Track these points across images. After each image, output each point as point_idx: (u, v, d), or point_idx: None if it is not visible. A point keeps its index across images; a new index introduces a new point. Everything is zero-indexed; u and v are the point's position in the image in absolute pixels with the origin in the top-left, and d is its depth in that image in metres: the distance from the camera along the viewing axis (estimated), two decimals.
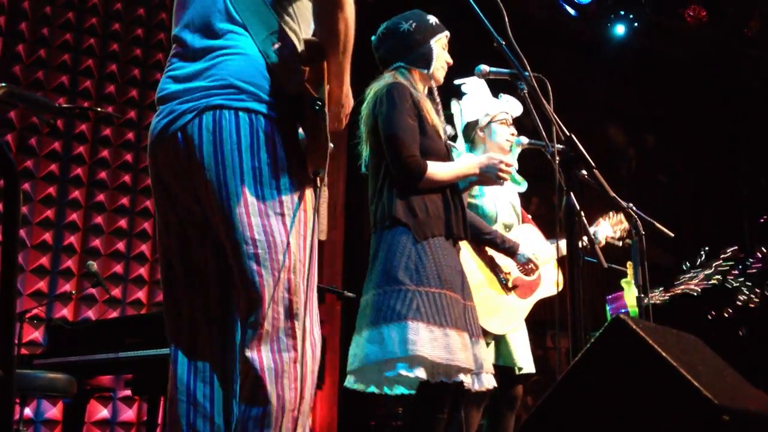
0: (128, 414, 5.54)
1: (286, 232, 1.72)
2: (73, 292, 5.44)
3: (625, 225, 3.71)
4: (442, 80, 2.96)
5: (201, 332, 1.84)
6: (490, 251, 3.27)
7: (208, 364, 1.81)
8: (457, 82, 3.30)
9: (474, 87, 3.34)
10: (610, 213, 3.74)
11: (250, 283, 1.71)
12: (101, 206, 5.78)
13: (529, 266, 3.24)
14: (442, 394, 2.62)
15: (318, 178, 1.78)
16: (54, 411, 5.26)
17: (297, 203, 1.74)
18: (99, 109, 4.39)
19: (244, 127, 1.71)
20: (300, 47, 1.80)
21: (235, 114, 1.71)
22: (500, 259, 3.29)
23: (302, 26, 1.86)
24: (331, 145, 1.78)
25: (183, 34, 1.85)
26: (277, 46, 1.76)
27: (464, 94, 3.39)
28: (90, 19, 5.99)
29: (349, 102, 1.91)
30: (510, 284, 3.28)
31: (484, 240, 3.18)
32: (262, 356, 1.69)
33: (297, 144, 1.75)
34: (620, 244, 3.71)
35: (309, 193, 1.78)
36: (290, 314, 1.72)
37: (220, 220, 1.73)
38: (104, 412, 5.45)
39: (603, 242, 3.62)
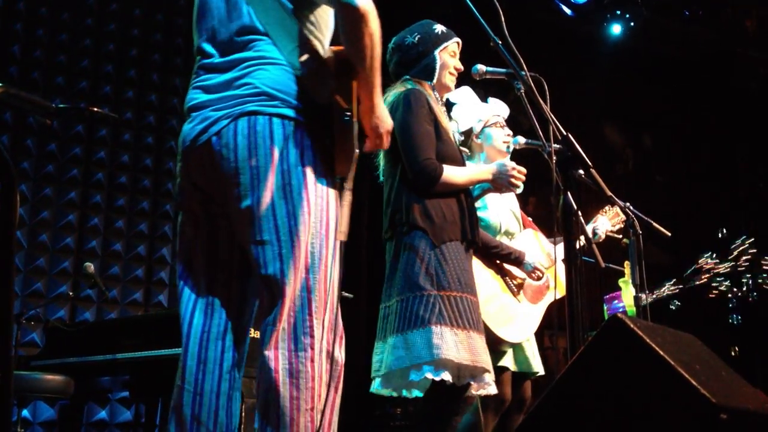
0: (126, 415, 5.53)
1: (309, 233, 1.78)
2: (71, 293, 5.43)
3: (622, 216, 3.72)
4: (452, 87, 2.99)
5: (214, 323, 1.87)
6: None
7: (219, 357, 1.84)
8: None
9: (462, 96, 3.34)
10: (606, 207, 3.74)
11: (274, 282, 1.76)
12: (98, 207, 5.77)
13: (536, 274, 3.25)
14: (458, 397, 2.64)
15: (342, 183, 1.87)
16: (51, 412, 5.25)
17: (321, 206, 1.81)
18: (96, 109, 4.38)
19: (278, 131, 1.78)
20: (324, 53, 1.87)
21: (269, 119, 1.78)
22: (505, 270, 3.30)
23: (324, 32, 1.92)
24: (357, 151, 1.85)
25: (208, 46, 1.91)
26: (304, 58, 1.82)
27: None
28: (86, 19, 5.98)
29: (387, 118, 1.95)
30: (521, 287, 3.28)
31: (491, 254, 3.19)
32: (278, 355, 1.73)
33: (324, 149, 1.83)
34: (621, 236, 3.71)
35: (334, 197, 1.85)
36: (308, 312, 1.76)
37: (248, 221, 1.78)
38: (102, 414, 5.44)
39: (603, 236, 3.62)
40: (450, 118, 3.23)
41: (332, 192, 1.85)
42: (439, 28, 2.94)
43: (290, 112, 1.79)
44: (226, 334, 1.86)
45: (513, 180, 2.86)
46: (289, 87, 1.80)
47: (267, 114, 1.78)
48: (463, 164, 2.88)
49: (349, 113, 1.80)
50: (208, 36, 1.91)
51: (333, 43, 1.96)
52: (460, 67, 2.94)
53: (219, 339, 1.85)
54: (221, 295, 1.88)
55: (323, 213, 1.81)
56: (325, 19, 1.92)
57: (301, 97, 1.81)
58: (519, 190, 3.42)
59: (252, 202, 1.76)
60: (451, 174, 2.74)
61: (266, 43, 1.84)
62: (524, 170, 2.90)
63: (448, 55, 2.91)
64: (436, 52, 2.88)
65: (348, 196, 1.88)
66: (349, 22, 1.79)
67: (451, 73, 2.92)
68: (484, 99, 3.48)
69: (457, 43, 2.95)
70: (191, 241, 1.92)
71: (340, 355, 1.82)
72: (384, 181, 2.87)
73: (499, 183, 2.88)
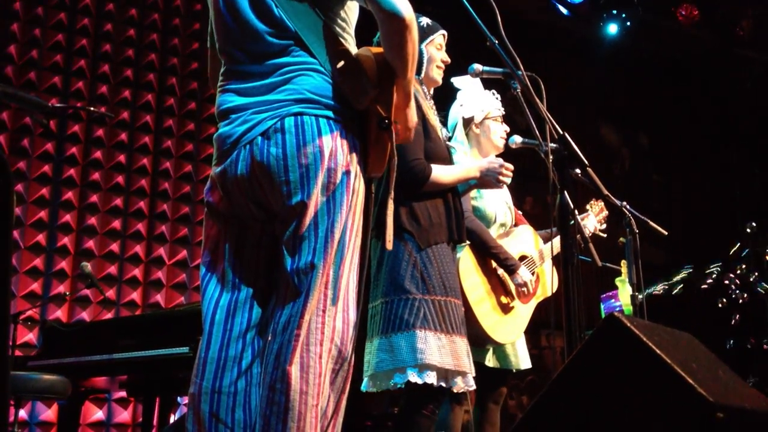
0: (123, 415, 5.53)
1: (341, 230, 1.81)
2: (67, 293, 5.42)
3: (606, 213, 3.73)
4: (440, 81, 2.97)
5: (236, 321, 1.87)
6: None
7: (238, 355, 1.84)
8: (454, 79, 3.32)
9: (470, 83, 3.35)
10: (592, 201, 3.75)
11: (303, 275, 1.78)
12: (95, 207, 5.76)
13: (522, 289, 3.20)
14: (439, 397, 2.65)
15: (386, 192, 1.95)
16: (49, 413, 5.25)
17: (353, 207, 1.85)
18: (92, 108, 4.37)
19: (325, 130, 1.81)
20: (353, 43, 1.91)
21: (315, 119, 1.81)
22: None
23: (353, 25, 1.97)
24: (395, 158, 1.92)
25: (235, 48, 1.91)
26: (341, 65, 1.85)
27: (458, 90, 3.41)
28: (82, 19, 5.97)
29: (415, 114, 2.01)
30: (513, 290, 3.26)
31: (489, 253, 3.18)
32: (296, 347, 1.73)
33: (362, 151, 1.88)
34: (605, 235, 3.71)
35: (363, 197, 1.89)
36: (323, 308, 1.78)
37: (296, 217, 1.80)
38: (99, 414, 5.44)
39: (591, 234, 3.62)
40: (444, 108, 3.24)
41: (362, 191, 1.89)
42: (425, 20, 2.92)
43: (333, 115, 1.83)
44: (247, 333, 1.86)
45: (501, 177, 2.87)
46: (330, 93, 1.84)
47: (313, 115, 1.81)
48: (450, 162, 2.88)
49: (387, 120, 1.84)
50: (235, 38, 1.91)
51: (359, 38, 2.00)
52: (447, 59, 2.93)
53: (240, 337, 1.85)
54: (246, 293, 1.89)
55: (352, 213, 1.85)
56: (353, 10, 1.96)
57: (341, 102, 1.85)
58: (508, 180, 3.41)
59: (303, 198, 1.79)
60: (440, 174, 2.74)
61: (302, 48, 1.86)
62: (511, 167, 2.92)
63: (435, 48, 2.90)
64: (423, 46, 2.87)
65: (391, 205, 1.95)
66: (395, 31, 1.82)
67: (438, 67, 2.91)
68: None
69: (443, 35, 2.94)
70: (216, 241, 1.93)
71: (351, 355, 1.82)
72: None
73: (487, 180, 2.89)
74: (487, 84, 3.36)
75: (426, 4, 3.89)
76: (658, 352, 1.54)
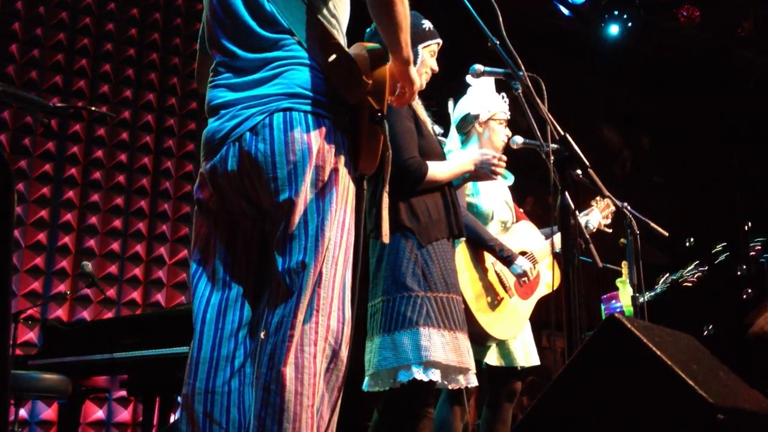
0: (123, 415, 5.53)
1: (332, 228, 1.80)
2: (68, 292, 5.42)
3: (612, 208, 3.73)
4: (423, 86, 2.93)
5: (227, 320, 1.86)
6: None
7: (230, 355, 1.83)
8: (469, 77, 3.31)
9: (483, 82, 3.35)
10: (597, 198, 3.75)
11: (295, 275, 1.76)
12: (95, 206, 5.76)
13: (523, 279, 3.20)
14: (430, 393, 2.65)
15: (363, 180, 1.93)
16: (49, 412, 5.25)
17: (343, 204, 1.83)
18: (93, 108, 4.37)
19: (314, 127, 1.79)
20: (343, 40, 1.89)
21: (304, 115, 1.80)
22: (500, 265, 3.27)
23: (343, 21, 1.94)
24: (389, 152, 1.90)
25: (229, 44, 1.89)
26: (332, 58, 1.82)
27: (469, 85, 3.41)
28: (84, 19, 5.98)
29: (417, 79, 2.01)
30: (511, 285, 3.25)
31: (485, 247, 3.18)
32: (290, 348, 1.72)
33: (353, 146, 1.87)
34: (610, 230, 3.71)
35: (353, 194, 1.88)
36: (316, 308, 1.76)
37: (284, 214, 1.78)
38: (99, 413, 5.44)
39: (595, 229, 3.62)
40: (444, 106, 3.25)
41: (353, 189, 1.87)
42: (427, 24, 2.90)
43: (323, 111, 1.81)
44: (239, 331, 1.85)
45: (494, 169, 2.88)
46: (321, 87, 1.82)
47: (302, 111, 1.79)
48: (443, 157, 2.89)
49: (380, 113, 1.82)
50: (227, 33, 1.90)
51: (352, 27, 1.98)
52: (436, 68, 2.88)
53: (232, 336, 1.84)
54: (237, 291, 1.88)
55: (343, 211, 1.83)
56: (341, 7, 1.94)
57: (332, 96, 1.83)
58: (510, 180, 3.40)
59: (290, 195, 1.77)
60: (435, 170, 2.74)
61: (294, 42, 1.84)
62: (505, 158, 2.93)
63: (429, 54, 2.89)
64: (420, 48, 2.84)
65: (386, 199, 1.94)
66: (383, 2, 1.81)
67: (426, 72, 2.87)
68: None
69: (438, 44, 2.92)
70: (206, 239, 1.92)
71: (346, 354, 1.81)
72: (368, 180, 2.87)
73: (482, 172, 2.90)
74: (499, 87, 3.38)
75: (427, 3, 3.88)
76: (659, 353, 1.54)
